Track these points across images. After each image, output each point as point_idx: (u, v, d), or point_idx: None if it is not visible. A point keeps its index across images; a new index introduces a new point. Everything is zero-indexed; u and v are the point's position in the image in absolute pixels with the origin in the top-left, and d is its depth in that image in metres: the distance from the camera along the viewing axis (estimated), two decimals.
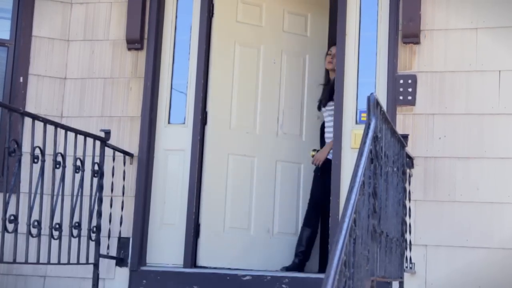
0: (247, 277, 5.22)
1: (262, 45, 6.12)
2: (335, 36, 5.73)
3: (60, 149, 4.89)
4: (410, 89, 5.41)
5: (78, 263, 5.08)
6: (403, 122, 5.40)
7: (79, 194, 5.05)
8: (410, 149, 5.24)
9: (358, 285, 3.14)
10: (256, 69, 6.02)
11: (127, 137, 5.84)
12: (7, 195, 4.32)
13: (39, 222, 4.56)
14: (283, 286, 5.19)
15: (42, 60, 5.98)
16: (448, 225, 5.21)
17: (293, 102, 6.13)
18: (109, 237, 5.56)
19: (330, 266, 2.68)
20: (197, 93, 5.78)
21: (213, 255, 5.71)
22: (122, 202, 5.66)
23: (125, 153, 5.72)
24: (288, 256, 5.75)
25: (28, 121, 4.74)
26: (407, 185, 5.00)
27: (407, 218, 5.00)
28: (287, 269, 5.65)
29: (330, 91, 5.76)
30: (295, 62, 6.18)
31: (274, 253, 5.70)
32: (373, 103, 3.67)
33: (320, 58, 6.28)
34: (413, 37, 5.44)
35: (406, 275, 4.89)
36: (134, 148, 5.80)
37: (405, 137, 5.08)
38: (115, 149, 5.58)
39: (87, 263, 5.16)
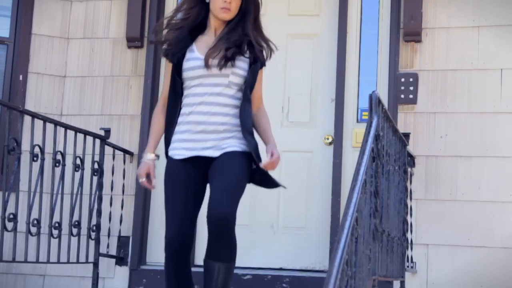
0: (248, 276, 5.20)
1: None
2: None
3: (60, 147, 4.87)
4: (411, 88, 5.40)
5: (77, 262, 5.06)
6: (405, 121, 5.38)
7: (79, 192, 5.03)
8: (411, 147, 5.23)
9: (360, 284, 3.12)
10: None
11: (127, 136, 5.83)
12: (7, 193, 4.30)
13: (38, 221, 4.54)
14: (284, 285, 5.17)
15: (41, 58, 5.96)
16: (450, 224, 5.20)
17: (302, 88, 5.82)
18: (109, 236, 5.54)
19: (332, 265, 2.66)
20: None
21: None
22: (122, 200, 5.64)
23: (125, 151, 5.70)
24: (292, 252, 5.68)
25: (27, 119, 4.72)
26: (408, 184, 4.99)
27: (408, 217, 4.99)
28: None
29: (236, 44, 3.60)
30: (303, 45, 5.88)
31: (278, 250, 5.65)
32: (375, 101, 3.66)
33: (334, 38, 5.81)
34: (414, 35, 5.42)
35: (407, 275, 4.87)
36: (134, 147, 5.79)
37: (407, 135, 5.07)
38: (115, 147, 5.56)
39: (87, 262, 5.13)
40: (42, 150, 4.59)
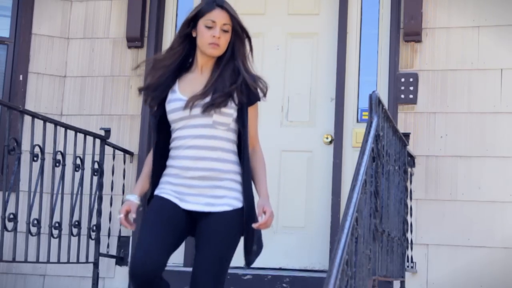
0: (248, 276, 5.20)
1: (265, 33, 5.92)
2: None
3: (60, 147, 4.87)
4: (411, 88, 5.40)
5: (77, 262, 5.06)
6: (405, 121, 5.39)
7: (79, 192, 5.03)
8: (411, 147, 5.23)
9: (360, 284, 3.12)
10: (260, 59, 5.77)
11: (127, 136, 5.83)
12: (7, 193, 4.30)
13: (38, 221, 4.54)
14: (284, 285, 5.16)
15: (42, 58, 5.96)
16: (450, 224, 5.20)
17: (301, 87, 5.80)
18: (109, 236, 5.54)
19: (332, 265, 2.66)
20: None
21: None
22: (122, 200, 5.64)
23: (125, 151, 5.70)
24: (292, 252, 5.68)
25: (27, 119, 4.72)
26: (408, 184, 4.99)
27: (408, 217, 4.98)
28: None
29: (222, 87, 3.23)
30: (303, 45, 5.88)
31: (278, 250, 5.64)
32: (375, 101, 3.66)
33: (334, 37, 5.81)
34: (414, 35, 5.42)
35: (407, 275, 4.87)
36: (134, 147, 5.79)
37: (407, 135, 5.07)
38: (115, 147, 5.56)
39: (87, 262, 5.13)
40: (42, 150, 4.59)
